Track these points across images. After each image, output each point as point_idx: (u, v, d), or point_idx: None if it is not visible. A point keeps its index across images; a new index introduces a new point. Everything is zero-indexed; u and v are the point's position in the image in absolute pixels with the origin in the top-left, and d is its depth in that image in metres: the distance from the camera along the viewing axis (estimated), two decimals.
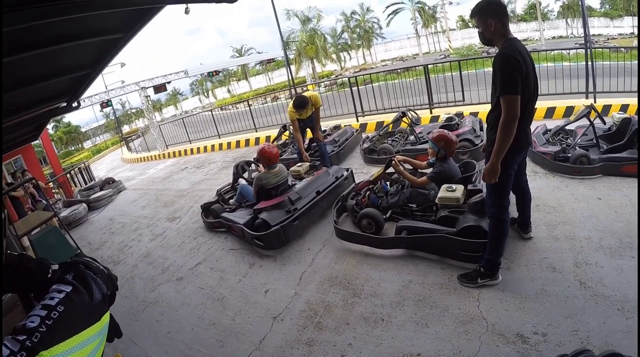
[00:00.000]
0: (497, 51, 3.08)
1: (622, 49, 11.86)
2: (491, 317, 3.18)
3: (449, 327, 3.21)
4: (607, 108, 7.73)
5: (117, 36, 4.34)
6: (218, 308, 4.41)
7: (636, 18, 35.73)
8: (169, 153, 18.25)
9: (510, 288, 3.46)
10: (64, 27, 3.49)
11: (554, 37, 44.07)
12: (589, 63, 8.50)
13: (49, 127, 21.39)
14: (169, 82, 24.04)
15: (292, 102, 6.96)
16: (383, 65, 43.84)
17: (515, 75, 2.86)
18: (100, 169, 25.26)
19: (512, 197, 3.76)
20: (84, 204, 11.38)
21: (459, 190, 4.19)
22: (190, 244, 6.36)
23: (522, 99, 2.92)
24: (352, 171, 6.48)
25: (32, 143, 15.57)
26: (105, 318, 0.85)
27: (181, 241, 6.61)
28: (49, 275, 0.98)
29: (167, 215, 8.48)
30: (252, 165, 7.40)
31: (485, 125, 4.36)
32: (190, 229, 7.02)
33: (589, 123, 5.69)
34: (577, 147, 5.65)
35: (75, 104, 7.31)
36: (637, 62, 8.79)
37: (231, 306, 4.38)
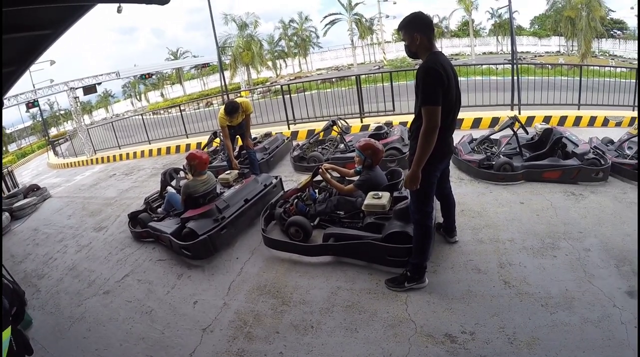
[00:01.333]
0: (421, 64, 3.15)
1: (548, 65, 12.70)
2: (419, 320, 3.27)
3: (378, 331, 3.26)
4: (530, 119, 8.30)
5: (46, 32, 4.11)
6: (147, 322, 4.24)
7: (562, 38, 38.41)
8: (97, 159, 17.32)
9: (437, 290, 3.58)
10: None
11: (484, 53, 46.56)
12: (515, 78, 9.05)
13: None
14: (99, 84, 22.98)
15: (223, 108, 6.85)
16: (318, 74, 44.23)
17: (436, 87, 2.94)
18: (25, 174, 23.63)
19: (437, 203, 3.89)
20: (7, 213, 10.61)
21: (385, 197, 4.26)
22: (117, 255, 6.06)
23: (444, 109, 3.00)
24: (281, 179, 6.46)
25: None
26: (6, 334, 0.78)
27: (108, 252, 6.29)
28: None
29: (93, 225, 8.04)
30: (181, 172, 7.21)
31: None
32: (118, 240, 6.70)
33: (512, 133, 6.01)
34: (501, 155, 5.98)
35: None
36: (578, 78, 9.43)
37: (160, 319, 4.23)
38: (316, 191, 5.43)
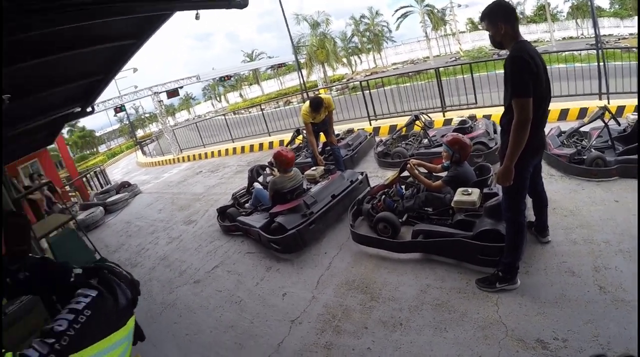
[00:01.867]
0: (507, 54, 3.05)
1: (634, 49, 11.67)
2: (510, 322, 3.13)
3: (468, 332, 3.16)
4: (620, 109, 7.61)
5: (129, 42, 4.39)
6: (236, 311, 4.41)
7: None
8: (183, 157, 18.35)
9: (529, 293, 3.41)
10: (77, 34, 3.53)
11: (564, 38, 43.60)
12: (601, 64, 8.39)
13: (64, 131, 21.71)
14: (181, 87, 24.24)
15: (306, 104, 6.97)
16: (394, 69, 43.70)
17: (526, 77, 2.83)
18: (116, 172, 25.46)
19: (529, 201, 3.73)
20: (101, 207, 11.49)
21: (474, 193, 4.14)
22: (207, 247, 6.37)
23: (534, 101, 2.88)
24: (366, 175, 6.45)
25: (47, 147, 15.73)
26: (131, 323, 0.84)
27: (198, 244, 6.63)
28: (72, 279, 0.98)
29: (183, 218, 8.52)
30: (267, 169, 7.41)
31: (498, 128, 4.33)
32: (207, 233, 7.04)
33: (603, 124, 5.61)
34: (592, 149, 5.58)
35: (89, 109, 7.40)
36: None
37: (249, 309, 4.37)
38: (402, 186, 5.37)
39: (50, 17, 2.75)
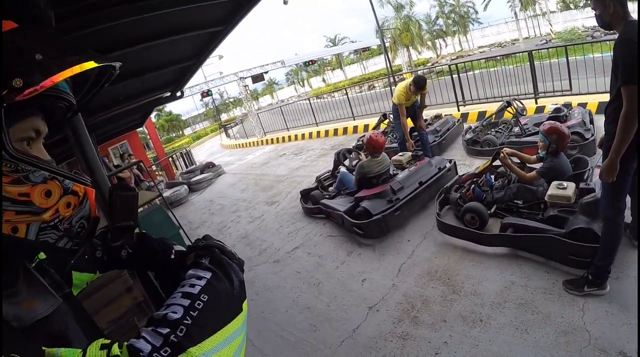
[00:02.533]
0: (614, 36, 2.78)
1: None
2: (595, 330, 2.92)
3: (549, 336, 2.99)
4: None
5: (218, 29, 4.54)
6: (314, 293, 4.48)
7: None
8: (266, 140, 18.88)
9: (618, 300, 3.14)
10: (170, 22, 3.71)
11: None
12: None
13: (152, 115, 22.98)
14: (266, 72, 24.77)
15: (403, 84, 6.82)
16: (481, 52, 41.82)
17: (638, 62, 2.56)
18: (200, 154, 26.69)
19: (628, 200, 3.41)
20: (185, 186, 12.15)
21: (570, 188, 3.87)
22: (289, 228, 6.51)
23: None
24: (455, 162, 6.27)
25: (137, 130, 16.79)
26: (245, 307, 0.77)
27: (279, 225, 6.79)
28: (172, 256, 0.97)
29: (265, 199, 8.77)
30: (353, 153, 7.39)
31: (595, 118, 3.98)
32: (289, 214, 7.20)
33: None
34: None
35: (179, 94, 7.75)
36: None
37: (327, 291, 4.42)
38: (492, 176, 5.13)
39: (146, 4, 2.88)
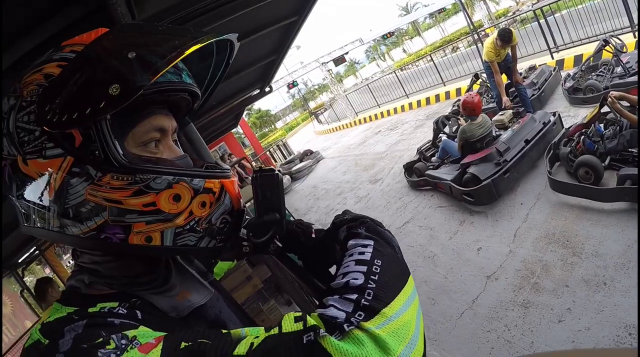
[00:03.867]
0: None
1: None
2: None
3: None
4: None
5: (292, 19, 4.62)
6: (429, 266, 4.50)
7: None
8: (359, 120, 18.95)
9: None
10: (246, 23, 3.85)
11: None
12: None
13: (244, 115, 23.92)
14: (346, 53, 24.66)
15: (490, 39, 6.58)
16: None
17: None
18: (297, 143, 27.33)
19: None
20: (287, 176, 12.54)
21: None
22: (396, 203, 6.55)
23: None
24: (559, 115, 5.88)
25: (232, 131, 17.59)
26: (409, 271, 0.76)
27: (386, 202, 6.85)
28: (313, 235, 0.94)
29: (368, 178, 8.84)
30: (451, 119, 7.22)
31: None
32: (394, 190, 7.22)
33: None
34: None
35: (267, 89, 7.99)
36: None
37: (442, 263, 4.43)
38: (601, 125, 4.76)
39: (225, 8, 3.03)
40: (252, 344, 0.55)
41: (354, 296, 0.60)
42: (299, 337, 0.54)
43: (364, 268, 0.65)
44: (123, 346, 0.55)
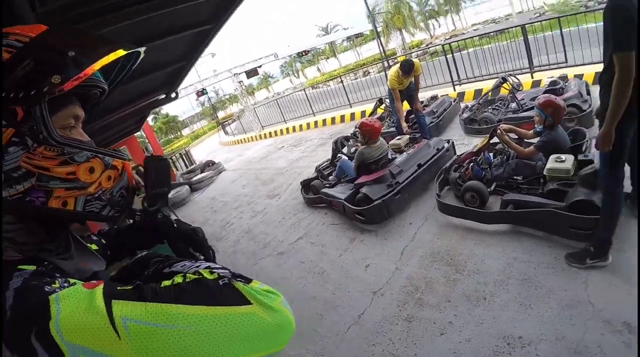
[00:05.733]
0: (604, 4, 2.78)
1: None
2: (598, 302, 2.94)
3: (553, 310, 3.03)
4: None
5: (207, 27, 4.55)
6: (319, 282, 4.53)
7: None
8: (265, 134, 18.89)
9: (621, 271, 3.15)
10: (158, 25, 3.71)
11: None
12: None
13: (149, 119, 23.16)
14: (259, 66, 24.74)
15: (394, 69, 6.85)
16: (474, 30, 41.52)
17: (628, 29, 2.57)
18: (200, 153, 26.67)
19: (627, 170, 3.43)
20: (187, 186, 12.23)
21: (568, 161, 3.89)
22: (291, 219, 6.56)
23: (638, 55, 2.62)
24: (453, 143, 6.29)
25: (135, 134, 16.86)
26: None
27: (282, 217, 6.84)
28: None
29: (266, 193, 8.81)
30: (351, 140, 7.41)
31: (592, 89, 3.97)
32: (290, 206, 7.24)
33: None
34: None
35: (173, 95, 7.75)
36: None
37: (332, 280, 4.47)
38: (491, 154, 5.16)
39: (133, 9, 2.91)
40: (184, 277, 0.75)
41: (227, 270, 0.80)
42: (217, 280, 0.74)
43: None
44: (66, 285, 0.69)
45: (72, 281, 0.71)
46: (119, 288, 0.69)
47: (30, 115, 0.74)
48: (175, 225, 1.18)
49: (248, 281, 0.76)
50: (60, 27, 0.84)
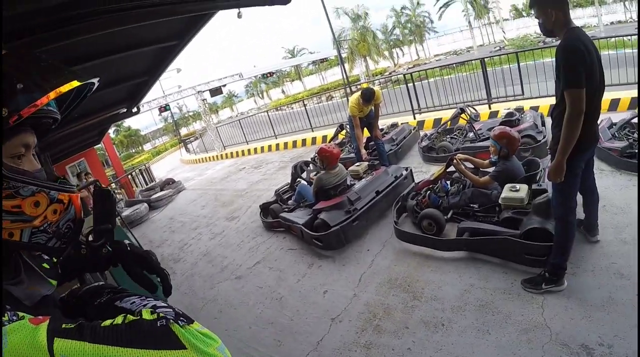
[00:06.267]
0: (558, 42, 2.95)
1: None
2: (555, 326, 3.06)
3: (511, 334, 3.12)
4: None
5: (172, 43, 4.55)
6: (276, 308, 4.50)
7: None
8: (226, 154, 18.76)
9: (576, 295, 3.30)
10: (122, 38, 3.71)
11: (612, 23, 40.85)
12: None
13: (111, 131, 22.73)
14: (224, 86, 24.71)
15: (355, 96, 6.95)
16: (437, 60, 42.88)
17: (578, 67, 2.75)
18: (160, 170, 26.22)
19: (579, 198, 3.61)
20: (145, 204, 11.96)
21: (523, 190, 4.06)
22: (249, 243, 6.52)
23: (588, 92, 2.79)
24: (411, 170, 6.42)
25: (94, 147, 16.48)
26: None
27: (240, 240, 6.79)
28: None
29: (226, 214, 8.73)
30: (311, 165, 7.47)
31: (547, 120, 4.18)
32: (249, 229, 7.20)
33: None
34: None
35: (134, 110, 7.65)
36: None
37: (289, 305, 4.46)
38: (448, 182, 5.31)
39: (97, 22, 2.90)
40: (124, 317, 0.75)
41: (171, 309, 0.80)
42: (155, 321, 0.74)
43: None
44: (15, 319, 0.69)
45: (20, 314, 0.71)
46: (63, 326, 0.70)
47: None
48: (129, 248, 1.17)
49: (190, 321, 0.77)
50: (12, 55, 0.84)
